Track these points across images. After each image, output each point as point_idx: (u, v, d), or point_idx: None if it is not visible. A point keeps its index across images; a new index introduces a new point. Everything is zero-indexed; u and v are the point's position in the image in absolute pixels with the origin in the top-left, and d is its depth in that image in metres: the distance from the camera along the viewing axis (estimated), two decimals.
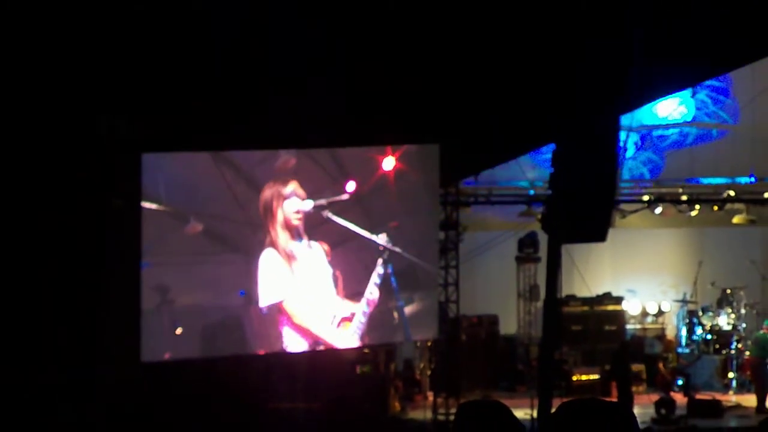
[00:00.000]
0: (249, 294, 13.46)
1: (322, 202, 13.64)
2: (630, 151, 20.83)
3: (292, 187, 13.53)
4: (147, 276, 12.76)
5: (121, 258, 12.65)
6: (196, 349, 13.35)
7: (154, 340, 12.91)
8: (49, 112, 11.76)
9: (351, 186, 13.92)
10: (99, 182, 12.46)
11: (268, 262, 13.44)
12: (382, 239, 14.03)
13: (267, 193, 13.43)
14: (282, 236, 13.51)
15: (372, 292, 14.13)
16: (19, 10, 10.36)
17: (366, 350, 17.45)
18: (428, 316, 15.09)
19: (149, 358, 12.81)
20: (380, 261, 14.11)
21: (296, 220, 13.56)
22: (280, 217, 13.48)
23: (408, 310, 14.55)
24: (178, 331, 13.01)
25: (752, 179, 21.01)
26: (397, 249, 14.16)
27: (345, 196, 13.80)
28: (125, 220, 12.63)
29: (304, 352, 14.19)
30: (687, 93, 21.20)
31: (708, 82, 21.18)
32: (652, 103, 20.19)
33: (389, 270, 14.19)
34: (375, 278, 14.13)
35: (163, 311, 12.88)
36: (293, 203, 13.53)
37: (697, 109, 21.72)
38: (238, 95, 12.30)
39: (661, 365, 18.02)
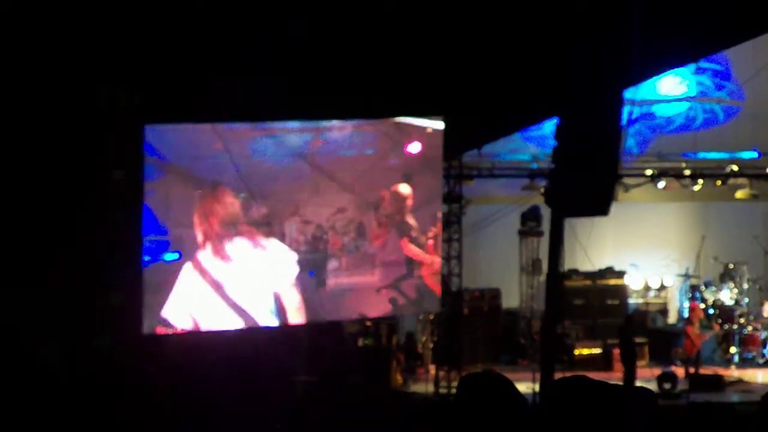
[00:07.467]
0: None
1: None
2: None
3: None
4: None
5: (123, 230, 12.64)
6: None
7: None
8: (49, 84, 11.72)
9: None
10: (100, 154, 12.43)
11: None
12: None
13: (198, 193, 13.20)
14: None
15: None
16: None
17: (368, 323, 17.46)
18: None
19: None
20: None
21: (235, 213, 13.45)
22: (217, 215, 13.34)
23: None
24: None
25: (755, 154, 20.94)
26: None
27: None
28: (126, 191, 12.62)
29: (304, 324, 14.20)
30: (688, 73, 21.10)
31: (708, 66, 21.07)
32: (655, 78, 20.10)
33: None
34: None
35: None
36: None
37: (701, 93, 21.60)
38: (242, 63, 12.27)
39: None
